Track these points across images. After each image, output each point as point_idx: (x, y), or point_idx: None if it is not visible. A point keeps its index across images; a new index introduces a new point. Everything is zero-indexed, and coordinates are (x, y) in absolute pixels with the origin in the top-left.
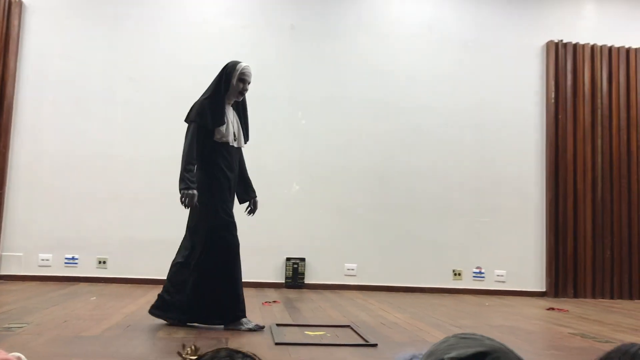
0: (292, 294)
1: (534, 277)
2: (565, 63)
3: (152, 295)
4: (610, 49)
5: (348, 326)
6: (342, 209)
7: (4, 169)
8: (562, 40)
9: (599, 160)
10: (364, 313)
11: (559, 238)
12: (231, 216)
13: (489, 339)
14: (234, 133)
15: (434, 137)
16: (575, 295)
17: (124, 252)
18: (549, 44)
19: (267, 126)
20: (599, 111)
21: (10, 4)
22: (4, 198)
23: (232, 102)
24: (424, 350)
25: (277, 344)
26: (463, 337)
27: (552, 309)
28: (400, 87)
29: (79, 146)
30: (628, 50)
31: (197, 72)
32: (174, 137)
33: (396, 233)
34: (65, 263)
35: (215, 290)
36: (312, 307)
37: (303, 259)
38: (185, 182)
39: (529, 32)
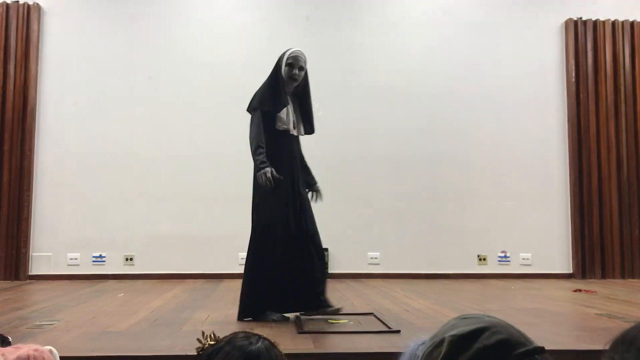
0: None
1: (560, 259)
2: (586, 41)
3: (178, 289)
4: (632, 23)
5: (371, 314)
6: (362, 198)
7: (30, 171)
8: (581, 18)
9: (624, 138)
10: (388, 301)
11: (584, 219)
12: (286, 205)
13: (489, 316)
14: (293, 121)
15: (453, 122)
16: (603, 276)
17: (150, 249)
18: (567, 22)
19: None
20: (622, 89)
21: (29, 8)
22: (31, 200)
23: (291, 89)
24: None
25: (300, 332)
26: (464, 318)
27: (579, 290)
28: (416, 72)
29: (101, 146)
30: None
31: (214, 68)
32: (195, 133)
33: (418, 220)
34: (93, 261)
35: (244, 282)
36: (337, 296)
37: (326, 249)
38: (257, 165)
39: (546, 11)
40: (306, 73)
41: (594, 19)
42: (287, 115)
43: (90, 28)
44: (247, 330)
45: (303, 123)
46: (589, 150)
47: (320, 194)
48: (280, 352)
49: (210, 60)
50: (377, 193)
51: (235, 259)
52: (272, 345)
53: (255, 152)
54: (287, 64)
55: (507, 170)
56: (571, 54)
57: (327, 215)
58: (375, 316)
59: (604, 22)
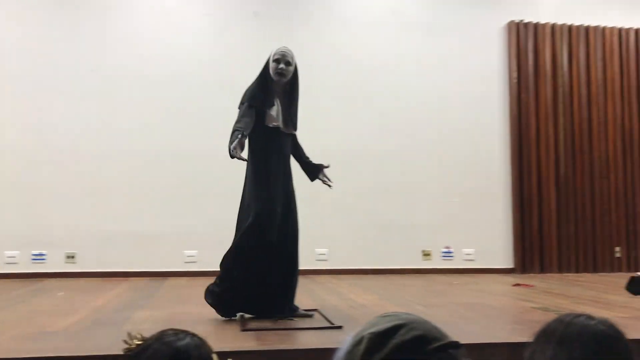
0: None
1: (502, 254)
2: (527, 43)
3: (121, 288)
4: (570, 27)
5: (316, 310)
6: (310, 194)
7: None
8: (522, 20)
9: (561, 137)
10: (334, 297)
11: (524, 215)
12: (272, 202)
13: (407, 314)
14: (283, 119)
15: (401, 120)
16: (542, 270)
17: (92, 247)
18: (510, 25)
19: (234, 115)
20: (561, 89)
21: None
22: None
23: (280, 86)
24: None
25: (243, 330)
26: (384, 316)
27: (518, 284)
28: (366, 72)
29: (42, 141)
30: (587, 29)
31: (162, 61)
32: (139, 129)
33: (366, 216)
34: (33, 259)
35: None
36: None
37: None
38: (230, 139)
39: (490, 14)
40: (296, 70)
41: (534, 21)
42: (277, 112)
43: (31, 17)
44: (181, 328)
45: (288, 120)
46: (530, 149)
47: (324, 175)
48: (210, 348)
49: (156, 53)
50: (326, 189)
51: (180, 257)
52: (202, 342)
53: (232, 133)
54: (274, 60)
55: (452, 167)
56: (513, 56)
57: None
58: (320, 313)
59: (544, 25)
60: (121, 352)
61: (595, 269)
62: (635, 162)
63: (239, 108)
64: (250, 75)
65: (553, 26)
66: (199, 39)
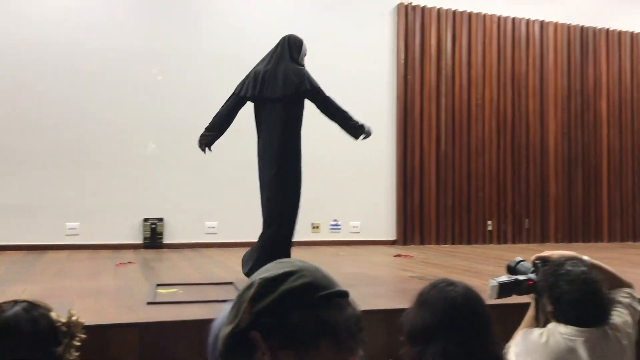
0: (149, 254)
1: (386, 227)
2: (414, 25)
3: None
4: (454, 12)
5: (231, 283)
6: (201, 166)
7: None
8: (411, 3)
9: (443, 117)
10: (221, 269)
11: (407, 190)
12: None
13: (301, 261)
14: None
15: None
16: (422, 242)
17: None
18: (399, 6)
19: (119, 82)
20: (444, 72)
21: None
22: None
23: None
24: None
25: (149, 303)
26: (279, 262)
27: (399, 255)
28: (257, 45)
29: None
30: (470, 15)
31: (29, 25)
32: (14, 95)
33: (256, 190)
34: None
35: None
36: (169, 266)
37: (161, 219)
38: (360, 125)
39: None
40: None
41: (422, 5)
42: None
43: None
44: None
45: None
46: (414, 128)
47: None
48: (47, 308)
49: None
50: (218, 162)
51: (62, 230)
52: (33, 305)
53: (352, 119)
54: (304, 55)
55: (342, 142)
56: (401, 37)
57: (163, 184)
58: (235, 286)
59: (430, 9)
60: None
61: (469, 241)
62: (508, 143)
63: (317, 90)
64: (138, 41)
65: (439, 10)
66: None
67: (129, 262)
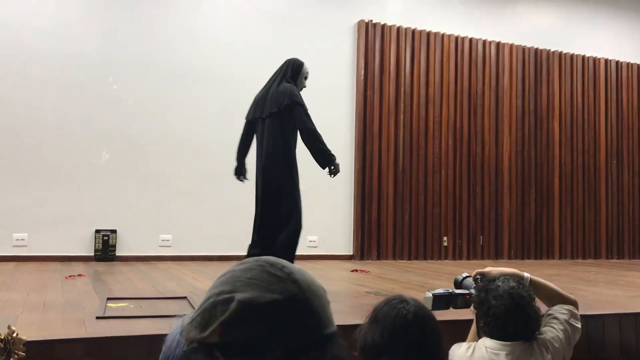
0: (101, 267)
1: (343, 241)
2: (374, 42)
3: None
4: (413, 31)
5: (185, 297)
6: (156, 178)
7: None
8: (372, 21)
9: (401, 133)
10: (175, 283)
11: (365, 205)
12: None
13: (294, 275)
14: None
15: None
16: (379, 257)
17: None
18: (360, 23)
19: (72, 90)
20: (403, 89)
21: None
22: None
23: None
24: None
25: (98, 318)
26: (269, 272)
27: (356, 270)
28: (217, 56)
29: None
30: (428, 34)
31: None
32: None
33: (213, 202)
34: None
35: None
36: (121, 279)
37: (114, 231)
38: (329, 155)
39: (342, 10)
40: None
41: (382, 23)
42: None
43: None
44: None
45: None
46: (372, 143)
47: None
48: None
49: None
50: (174, 173)
51: (9, 241)
52: None
53: (323, 143)
54: (305, 77)
55: (300, 156)
56: (362, 53)
57: (117, 195)
58: (188, 301)
59: (390, 27)
60: None
61: (425, 257)
62: (464, 160)
63: (295, 103)
64: (93, 48)
65: (398, 29)
66: (36, 7)
67: (79, 275)
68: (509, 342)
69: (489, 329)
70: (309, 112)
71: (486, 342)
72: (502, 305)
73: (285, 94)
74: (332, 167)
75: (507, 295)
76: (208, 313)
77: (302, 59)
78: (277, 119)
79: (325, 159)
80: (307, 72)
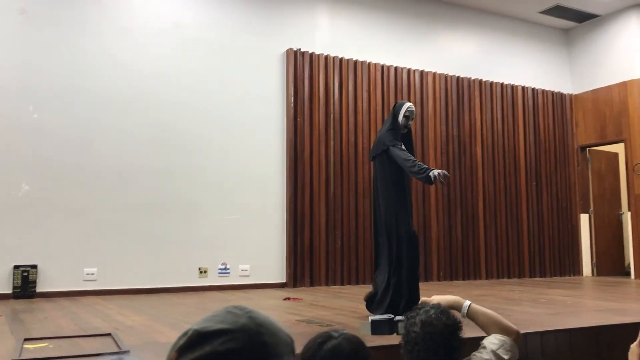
0: (20, 305)
1: (276, 269)
2: (303, 70)
3: None
4: (341, 60)
5: (109, 334)
6: (79, 209)
7: None
8: (300, 49)
9: (332, 159)
10: (99, 319)
11: (297, 232)
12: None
13: (255, 318)
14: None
15: (183, 135)
16: (312, 283)
17: None
18: (288, 52)
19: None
20: (332, 116)
21: None
22: None
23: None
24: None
25: None
26: (229, 312)
27: (288, 298)
28: (145, 82)
29: None
30: (355, 63)
31: None
32: None
33: (141, 233)
34: None
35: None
36: (41, 317)
37: (35, 266)
38: (421, 171)
39: (271, 39)
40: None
41: (310, 51)
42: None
43: None
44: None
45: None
46: (304, 169)
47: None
48: None
49: None
50: (98, 204)
51: None
52: None
53: (413, 165)
54: (405, 116)
55: (232, 184)
56: (291, 81)
57: (37, 229)
58: (113, 337)
59: (318, 55)
60: None
61: (357, 282)
62: None
63: (389, 146)
64: (12, 77)
65: (326, 57)
66: None
67: None
68: None
69: (408, 356)
70: (399, 150)
71: None
72: (413, 332)
73: (382, 140)
74: (434, 181)
75: (419, 323)
76: (172, 344)
77: (400, 102)
78: (380, 161)
79: (422, 179)
80: (408, 110)
